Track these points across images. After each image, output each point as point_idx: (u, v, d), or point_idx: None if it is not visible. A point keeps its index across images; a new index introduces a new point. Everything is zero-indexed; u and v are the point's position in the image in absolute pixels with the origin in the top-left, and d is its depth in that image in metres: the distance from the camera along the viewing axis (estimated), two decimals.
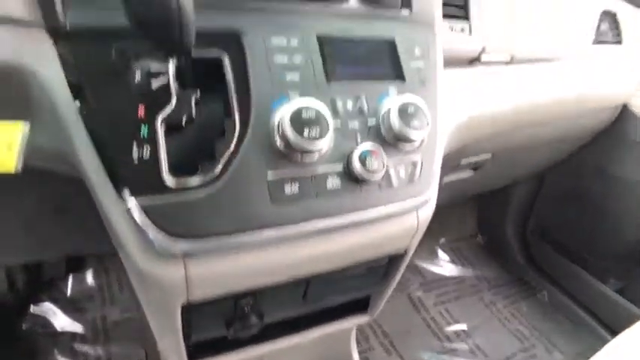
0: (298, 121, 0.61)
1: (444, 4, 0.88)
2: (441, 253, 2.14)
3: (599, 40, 1.47)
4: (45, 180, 0.77)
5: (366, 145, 0.68)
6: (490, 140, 1.17)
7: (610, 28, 1.58)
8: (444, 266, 2.10)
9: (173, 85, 0.60)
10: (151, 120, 0.59)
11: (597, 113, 1.59)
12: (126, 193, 0.58)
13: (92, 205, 0.63)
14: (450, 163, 1.26)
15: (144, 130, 0.58)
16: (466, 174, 1.41)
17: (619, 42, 1.59)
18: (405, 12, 0.80)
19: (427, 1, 0.82)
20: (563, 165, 1.85)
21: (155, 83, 0.59)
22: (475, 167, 1.38)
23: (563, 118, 1.41)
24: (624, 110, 1.69)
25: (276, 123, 0.63)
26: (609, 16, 1.55)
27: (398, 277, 0.95)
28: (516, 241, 2.12)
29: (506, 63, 1.10)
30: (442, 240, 2.18)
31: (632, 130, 1.68)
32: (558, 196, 1.98)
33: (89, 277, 1.78)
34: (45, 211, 1.07)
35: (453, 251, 2.16)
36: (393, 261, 0.90)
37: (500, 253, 2.15)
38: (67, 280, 1.75)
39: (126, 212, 0.58)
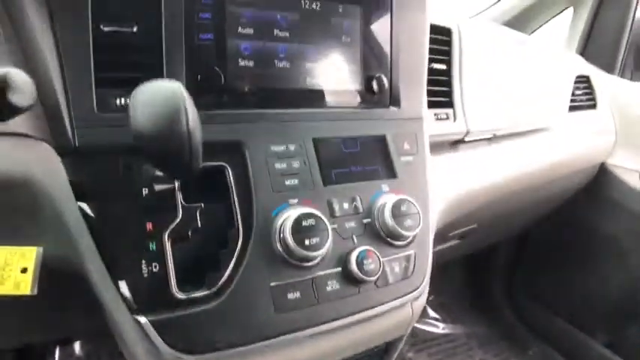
0: (299, 230, 0.64)
1: (429, 94, 0.93)
2: (430, 311, 2.15)
3: (574, 106, 1.55)
4: None
5: (363, 246, 0.71)
6: (476, 212, 1.21)
7: (584, 93, 1.66)
8: (435, 324, 2.10)
9: (179, 200, 0.62)
10: (158, 234, 0.61)
11: (577, 173, 1.65)
12: (136, 308, 0.59)
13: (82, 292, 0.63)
14: (437, 238, 1.30)
15: (152, 245, 0.60)
16: (452, 243, 1.44)
17: (593, 106, 1.67)
18: (393, 109, 0.85)
19: (414, 98, 0.87)
20: (546, 222, 1.89)
21: (162, 199, 0.62)
22: (461, 237, 1.41)
23: (545, 183, 1.46)
24: (602, 168, 1.76)
25: (278, 229, 0.66)
26: (583, 81, 1.64)
27: (395, 355, 0.97)
28: (504, 298, 2.15)
29: (489, 140, 1.15)
30: (431, 297, 2.19)
31: (609, 186, 1.75)
32: (543, 253, 2.02)
33: (77, 348, 1.75)
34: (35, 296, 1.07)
35: (442, 309, 2.17)
36: (390, 344, 0.92)
37: (489, 310, 2.17)
38: (54, 353, 1.72)
39: (136, 325, 0.59)
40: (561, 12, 1.91)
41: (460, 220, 1.18)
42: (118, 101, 0.63)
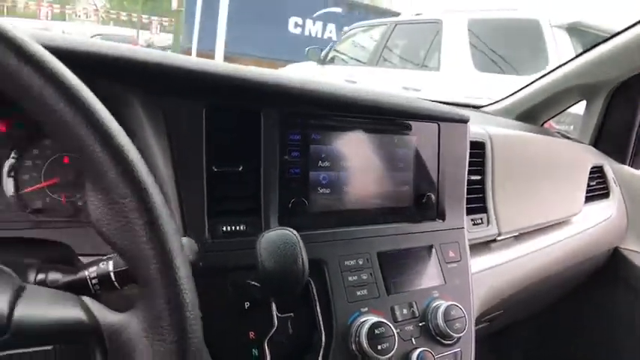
0: (372, 336, 0.77)
1: (466, 202, 1.08)
2: None
3: (590, 197, 1.69)
4: None
5: (420, 347, 0.84)
6: (504, 301, 1.33)
7: (598, 183, 1.81)
8: None
9: (274, 312, 0.76)
10: (258, 342, 0.74)
11: (592, 258, 1.77)
12: None
13: None
14: None
15: (254, 351, 0.73)
16: (481, 326, 1.55)
17: (606, 195, 1.82)
18: (439, 222, 0.99)
19: (456, 210, 1.02)
20: (562, 304, 1.99)
21: (261, 311, 0.76)
22: (489, 321, 1.53)
23: (563, 269, 1.58)
24: (616, 252, 1.88)
25: (353, 334, 0.79)
26: (597, 171, 1.79)
27: None
28: None
29: (515, 237, 1.29)
30: None
31: (624, 270, 1.86)
32: (560, 334, 2.11)
33: None
34: None
35: None
36: None
37: None
38: None
39: None
40: (574, 104, 2.08)
41: (490, 309, 1.30)
42: (224, 228, 0.77)
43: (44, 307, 0.37)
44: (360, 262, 0.86)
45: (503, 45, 4.60)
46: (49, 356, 0.34)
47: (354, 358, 0.79)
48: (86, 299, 0.40)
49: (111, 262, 0.53)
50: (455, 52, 4.80)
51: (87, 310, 0.38)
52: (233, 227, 0.77)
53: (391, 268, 0.89)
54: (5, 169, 0.81)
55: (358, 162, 0.90)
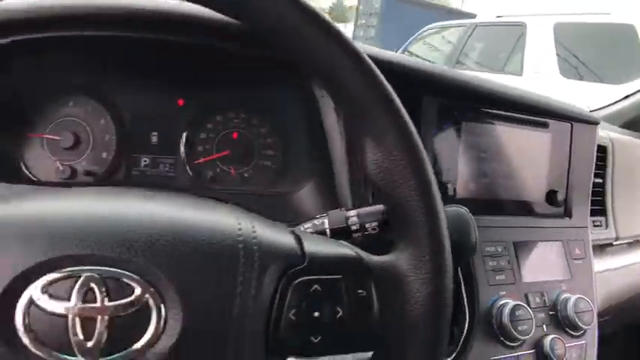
0: (513, 318, 0.82)
1: None
2: None
3: None
4: None
5: (552, 334, 0.88)
6: (612, 307, 1.34)
7: None
8: None
9: None
10: None
11: None
12: None
13: None
14: None
15: None
16: None
17: None
18: (567, 219, 1.02)
19: (582, 209, 1.05)
20: None
21: None
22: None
23: None
24: None
25: (494, 315, 0.84)
26: None
27: None
28: None
29: (629, 244, 1.30)
30: None
31: None
32: None
33: None
34: None
35: None
36: None
37: None
38: None
39: None
40: None
41: (599, 313, 1.32)
42: None
43: (323, 244, 0.45)
44: (499, 249, 0.90)
45: (592, 51, 4.46)
46: (336, 285, 0.41)
47: (495, 336, 0.84)
48: (347, 244, 0.48)
49: (326, 220, 0.60)
50: (540, 56, 4.70)
51: (355, 250, 0.45)
52: None
53: (524, 258, 0.93)
54: (182, 140, 0.91)
55: (499, 154, 0.95)
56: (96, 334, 0.34)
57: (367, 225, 0.58)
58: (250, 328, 0.38)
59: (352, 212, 0.59)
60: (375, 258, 0.45)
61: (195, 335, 0.36)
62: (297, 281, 0.40)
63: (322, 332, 0.40)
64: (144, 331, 0.35)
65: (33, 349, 0.34)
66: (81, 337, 0.34)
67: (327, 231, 0.59)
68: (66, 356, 0.34)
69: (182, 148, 0.90)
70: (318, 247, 0.44)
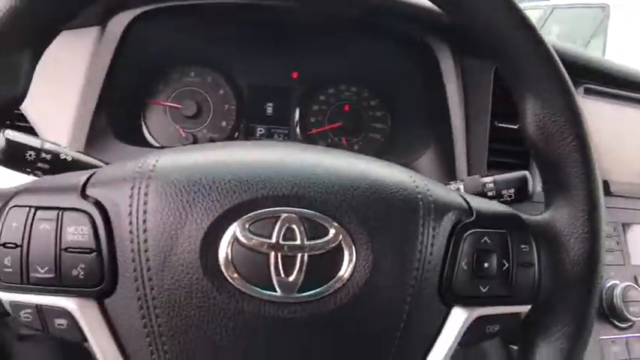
0: (626, 299, 0.80)
1: None
2: None
3: None
4: None
5: None
6: None
7: None
8: None
9: None
10: None
11: None
12: None
13: None
14: None
15: None
16: None
17: None
18: None
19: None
20: None
21: None
22: None
23: None
24: None
25: (603, 296, 0.82)
26: None
27: None
28: None
29: None
30: None
31: None
32: None
33: None
34: None
35: None
36: None
37: None
38: None
39: None
40: None
41: None
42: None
43: (485, 202, 0.46)
44: (609, 230, 0.88)
45: None
46: (503, 239, 0.42)
47: (605, 316, 0.82)
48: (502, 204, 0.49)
49: (462, 186, 0.61)
50: (625, 40, 4.46)
51: (512, 209, 0.46)
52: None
53: (633, 240, 0.90)
54: (296, 112, 0.94)
55: (615, 135, 0.92)
56: (295, 270, 0.37)
57: (504, 192, 0.59)
58: (428, 274, 0.40)
59: (489, 179, 0.60)
60: (532, 217, 0.46)
61: (382, 276, 0.38)
62: (469, 232, 0.42)
63: (490, 283, 0.42)
64: (337, 270, 0.37)
65: (235, 284, 0.36)
66: (281, 272, 0.37)
67: None
68: (266, 291, 0.36)
69: (296, 119, 0.93)
70: (482, 204, 0.45)
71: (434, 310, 0.41)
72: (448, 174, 0.80)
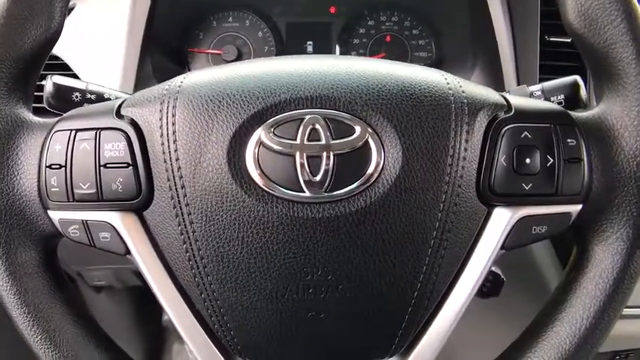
0: None
1: None
2: None
3: None
4: None
5: None
6: None
7: None
8: None
9: None
10: None
11: None
12: None
13: None
14: None
15: None
16: None
17: None
18: None
19: None
20: None
21: None
22: None
23: None
24: None
25: None
26: None
27: None
28: None
29: None
30: None
31: None
32: None
33: None
34: None
35: None
36: None
37: None
38: None
39: None
40: None
41: None
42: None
43: (525, 99, 0.44)
44: None
45: None
46: (546, 133, 0.39)
47: None
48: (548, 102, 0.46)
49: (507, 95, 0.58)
50: None
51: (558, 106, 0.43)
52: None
53: None
54: (336, 47, 0.92)
55: None
56: (322, 170, 0.36)
57: (552, 99, 0.55)
58: (463, 172, 0.38)
59: (536, 87, 0.56)
60: (580, 112, 0.43)
61: (413, 175, 0.37)
62: (507, 127, 0.40)
63: (533, 180, 0.40)
64: (365, 168, 0.37)
65: (263, 186, 0.37)
66: (308, 173, 0.37)
67: None
68: (293, 192, 0.37)
69: (337, 53, 0.91)
70: (522, 100, 0.43)
71: (472, 210, 0.40)
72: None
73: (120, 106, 0.41)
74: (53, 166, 0.40)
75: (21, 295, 0.41)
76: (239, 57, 0.90)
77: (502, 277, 0.50)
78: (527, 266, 0.76)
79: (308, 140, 0.36)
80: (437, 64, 0.90)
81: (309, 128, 0.37)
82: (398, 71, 0.41)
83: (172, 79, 0.42)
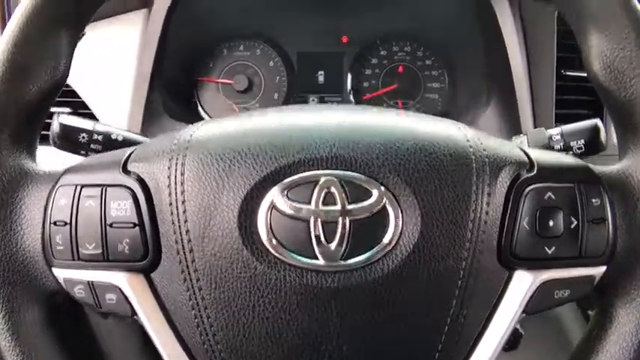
0: None
1: None
2: None
3: None
4: None
5: None
6: None
7: None
8: None
9: None
10: None
11: None
12: None
13: None
14: None
15: None
16: None
17: None
18: None
19: None
20: None
21: None
22: None
23: None
24: None
25: None
26: None
27: None
28: None
29: None
30: None
31: None
32: None
33: None
34: None
35: None
36: None
37: None
38: None
39: None
40: None
41: None
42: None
43: (547, 153, 0.42)
44: None
45: None
46: (570, 193, 0.38)
47: None
48: (569, 155, 0.44)
49: (525, 139, 0.56)
50: None
51: (580, 160, 0.41)
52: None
53: None
54: (348, 77, 0.91)
55: None
56: (337, 237, 0.34)
57: (572, 144, 0.54)
58: (484, 237, 0.37)
59: (555, 130, 0.54)
60: (603, 167, 0.41)
61: (432, 241, 0.35)
62: (530, 188, 0.38)
63: (556, 243, 0.38)
64: (382, 235, 0.35)
65: (275, 253, 0.35)
66: (323, 239, 0.35)
67: None
68: (308, 259, 0.35)
69: (348, 86, 0.90)
70: (544, 155, 0.41)
71: (493, 275, 0.38)
72: (512, 131, 0.75)
73: (127, 160, 0.40)
74: (58, 223, 0.38)
75: (25, 356, 0.39)
76: (250, 87, 0.90)
77: (520, 330, 0.48)
78: (549, 318, 0.74)
79: (323, 204, 0.35)
80: (450, 95, 0.88)
81: (324, 191, 0.35)
82: (416, 126, 0.39)
83: (182, 132, 0.40)
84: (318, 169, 0.35)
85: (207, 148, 0.37)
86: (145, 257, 0.37)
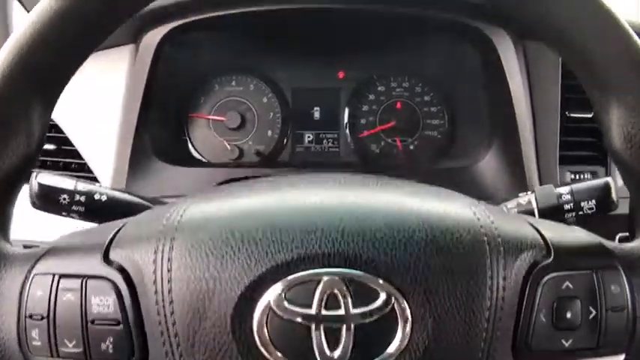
0: None
1: None
2: None
3: None
4: None
5: None
6: None
7: None
8: None
9: None
10: None
11: None
12: None
13: None
14: None
15: None
16: None
17: None
18: None
19: None
20: None
21: None
22: None
23: None
24: None
25: None
26: None
27: None
28: None
29: None
30: None
31: None
32: None
33: None
34: None
35: None
36: None
37: None
38: None
39: None
40: None
41: None
42: (572, 176, 0.74)
43: (560, 231, 0.39)
44: None
45: None
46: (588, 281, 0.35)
47: None
48: (583, 230, 0.42)
49: (533, 198, 0.53)
50: None
51: (596, 238, 0.38)
52: (580, 175, 0.75)
53: None
54: (345, 114, 0.88)
55: None
56: (341, 345, 0.31)
57: (583, 204, 0.51)
58: (499, 335, 0.34)
59: (564, 189, 0.52)
60: (621, 245, 0.38)
61: (444, 346, 0.32)
62: (546, 278, 0.35)
63: (573, 335, 0.35)
64: (391, 338, 0.32)
65: None
66: (325, 347, 0.32)
67: (535, 211, 0.53)
68: None
69: (345, 122, 0.87)
70: (559, 234, 0.38)
71: None
72: (515, 173, 0.72)
73: (109, 245, 0.36)
74: (34, 317, 0.35)
75: None
76: (242, 123, 0.86)
77: None
78: None
79: (325, 309, 0.31)
80: (450, 133, 0.85)
81: (326, 293, 0.32)
82: (426, 211, 0.36)
83: (170, 211, 0.37)
84: (320, 267, 0.32)
85: (197, 237, 0.34)
86: (131, 357, 0.34)
